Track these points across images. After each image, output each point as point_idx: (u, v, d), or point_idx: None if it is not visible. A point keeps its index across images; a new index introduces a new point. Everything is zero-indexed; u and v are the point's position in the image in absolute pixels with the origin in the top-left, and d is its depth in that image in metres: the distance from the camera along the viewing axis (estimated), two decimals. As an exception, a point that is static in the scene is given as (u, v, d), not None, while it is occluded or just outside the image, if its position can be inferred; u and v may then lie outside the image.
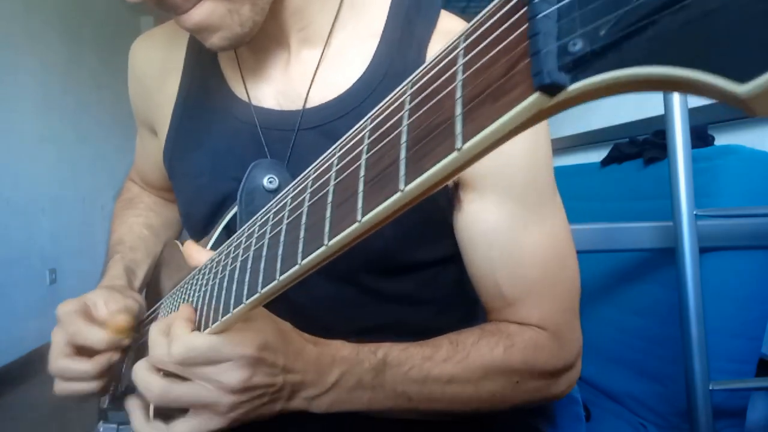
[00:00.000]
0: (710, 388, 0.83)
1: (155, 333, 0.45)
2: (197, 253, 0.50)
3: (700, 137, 1.17)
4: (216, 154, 0.62)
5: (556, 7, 0.16)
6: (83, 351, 0.56)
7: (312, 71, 0.59)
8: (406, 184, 0.22)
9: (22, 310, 2.84)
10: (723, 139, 1.28)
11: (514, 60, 0.18)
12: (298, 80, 0.59)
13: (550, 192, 0.57)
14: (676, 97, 0.87)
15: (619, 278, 1.13)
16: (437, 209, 0.57)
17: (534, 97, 0.17)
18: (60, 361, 0.55)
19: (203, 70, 0.64)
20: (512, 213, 0.54)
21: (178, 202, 0.69)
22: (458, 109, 0.20)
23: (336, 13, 0.58)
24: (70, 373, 0.55)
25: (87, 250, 3.29)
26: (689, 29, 0.13)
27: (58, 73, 3.23)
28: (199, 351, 0.42)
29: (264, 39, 0.58)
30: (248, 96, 0.61)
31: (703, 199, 0.91)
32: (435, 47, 0.57)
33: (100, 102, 3.60)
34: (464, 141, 0.19)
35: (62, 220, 3.22)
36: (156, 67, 0.68)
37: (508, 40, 0.18)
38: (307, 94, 0.58)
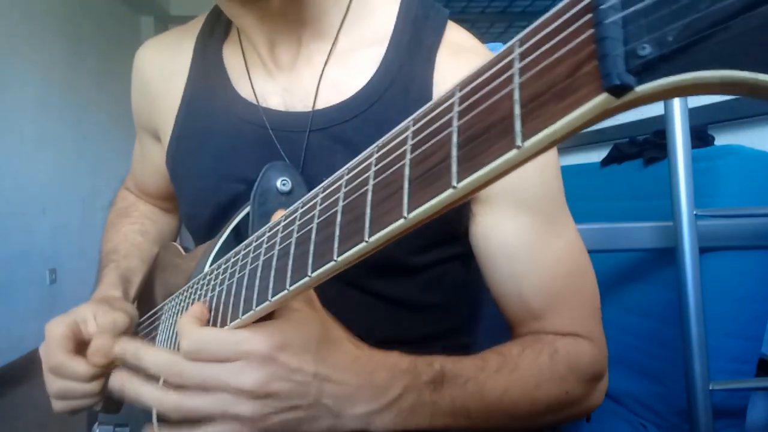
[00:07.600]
0: (710, 388, 0.83)
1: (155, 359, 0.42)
2: None
3: (700, 137, 1.17)
4: (220, 156, 0.62)
5: (621, 14, 0.17)
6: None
7: (319, 70, 0.58)
8: (459, 180, 0.23)
9: (22, 310, 2.84)
10: (723, 139, 1.28)
11: (579, 63, 0.19)
12: (305, 79, 0.59)
13: (561, 203, 0.58)
14: (675, 97, 0.87)
15: (619, 278, 1.12)
16: (443, 218, 0.56)
17: (602, 97, 0.18)
18: (57, 382, 0.54)
19: (208, 73, 0.64)
20: (529, 226, 0.54)
21: (181, 204, 0.69)
22: (517, 110, 0.21)
23: (346, 10, 0.58)
24: (72, 394, 0.54)
25: (87, 250, 3.28)
26: (758, 34, 0.14)
27: (58, 73, 3.22)
28: (208, 345, 0.39)
29: (276, 26, 0.57)
30: (255, 96, 0.60)
31: (703, 199, 0.91)
32: (443, 58, 0.57)
33: (100, 102, 3.60)
34: (524, 139, 0.20)
35: (62, 220, 3.22)
36: (162, 72, 0.68)
37: (572, 44, 0.20)
38: (316, 94, 0.58)
